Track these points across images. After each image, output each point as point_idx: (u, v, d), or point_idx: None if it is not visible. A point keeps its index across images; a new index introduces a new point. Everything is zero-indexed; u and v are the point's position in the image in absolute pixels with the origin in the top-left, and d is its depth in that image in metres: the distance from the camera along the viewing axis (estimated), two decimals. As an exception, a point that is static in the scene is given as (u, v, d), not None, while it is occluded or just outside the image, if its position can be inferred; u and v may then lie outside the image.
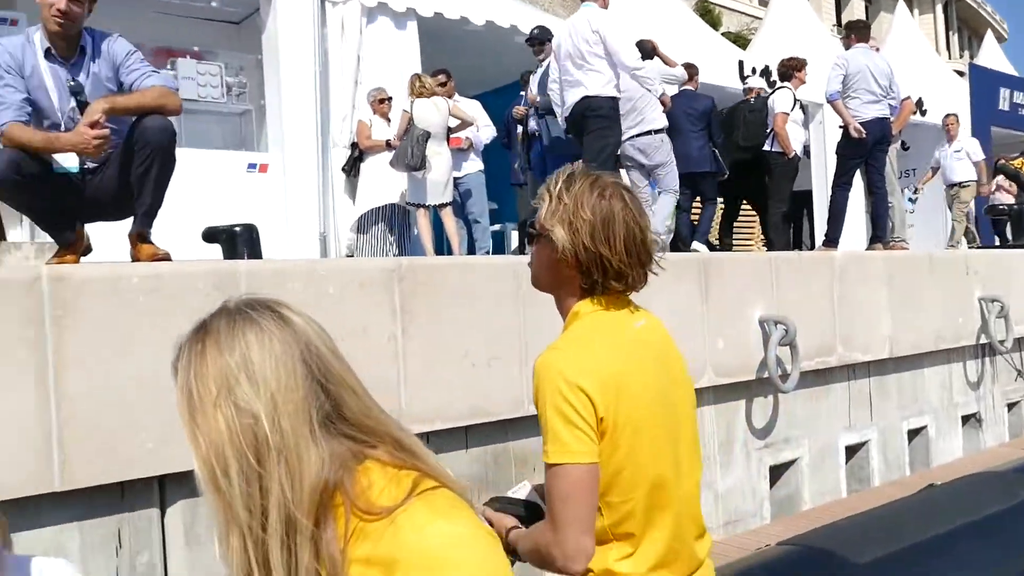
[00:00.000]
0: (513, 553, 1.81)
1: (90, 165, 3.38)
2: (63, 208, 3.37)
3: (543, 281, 1.87)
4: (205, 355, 1.08)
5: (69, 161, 3.23)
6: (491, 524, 1.84)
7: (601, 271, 1.73)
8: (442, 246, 7.40)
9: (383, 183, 7.14)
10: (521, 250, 7.29)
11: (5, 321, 2.75)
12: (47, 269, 2.88)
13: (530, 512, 1.90)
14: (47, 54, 3.28)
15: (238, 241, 3.87)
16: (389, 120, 7.25)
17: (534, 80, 7.47)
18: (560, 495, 1.64)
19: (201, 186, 6.93)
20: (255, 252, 3.92)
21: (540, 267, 1.84)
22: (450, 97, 7.52)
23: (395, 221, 7.27)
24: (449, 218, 6.99)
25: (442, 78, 7.64)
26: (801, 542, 3.11)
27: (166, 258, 3.35)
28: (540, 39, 7.32)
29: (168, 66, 7.58)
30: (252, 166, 7.48)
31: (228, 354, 1.06)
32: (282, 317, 1.11)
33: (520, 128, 7.77)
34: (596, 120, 5.82)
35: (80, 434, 2.81)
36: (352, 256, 7.26)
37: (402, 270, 3.64)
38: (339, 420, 1.10)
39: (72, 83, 3.17)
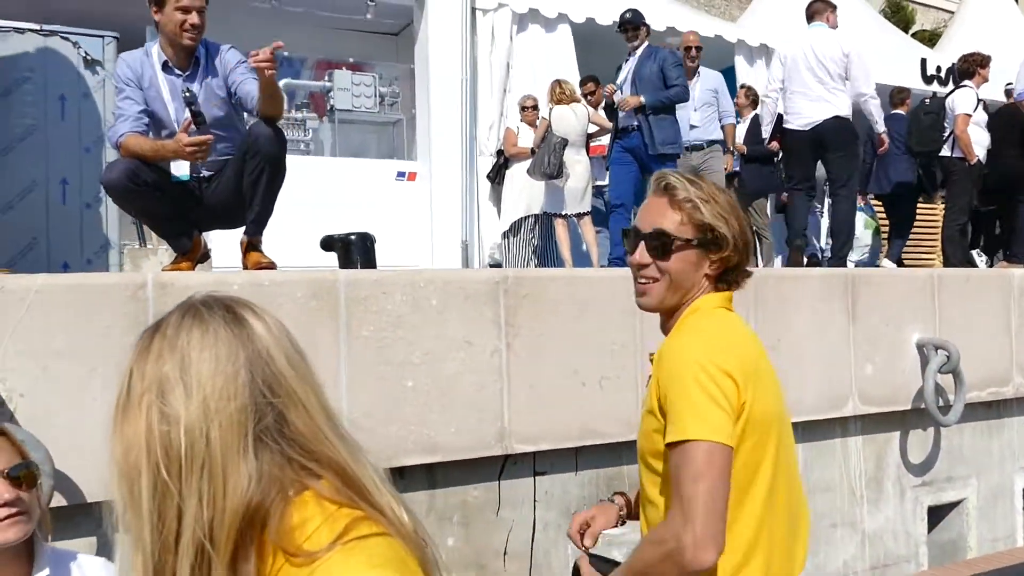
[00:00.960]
0: None
1: (205, 173, 3.48)
2: (178, 215, 3.49)
3: (676, 286, 1.71)
4: (148, 353, 1.00)
5: (181, 169, 3.33)
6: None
7: (744, 260, 1.73)
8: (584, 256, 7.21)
9: (527, 191, 7.06)
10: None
11: (110, 327, 2.84)
12: (152, 276, 2.96)
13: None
14: (164, 66, 3.41)
15: (353, 249, 3.88)
16: (535, 127, 7.16)
17: (624, 72, 6.11)
18: (692, 474, 1.50)
19: (352, 194, 7.16)
20: (369, 260, 3.92)
21: (679, 273, 1.70)
22: (597, 104, 7.32)
23: (538, 230, 7.17)
24: (588, 227, 6.80)
25: (590, 86, 7.48)
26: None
27: (270, 267, 3.39)
28: (634, 23, 6.09)
29: (326, 78, 7.88)
30: (401, 174, 7.63)
31: (168, 353, 0.98)
32: (236, 318, 1.02)
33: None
34: (849, 141, 5.93)
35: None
36: (499, 266, 7.23)
37: (508, 282, 3.51)
38: (280, 438, 0.99)
39: (187, 93, 3.28)
